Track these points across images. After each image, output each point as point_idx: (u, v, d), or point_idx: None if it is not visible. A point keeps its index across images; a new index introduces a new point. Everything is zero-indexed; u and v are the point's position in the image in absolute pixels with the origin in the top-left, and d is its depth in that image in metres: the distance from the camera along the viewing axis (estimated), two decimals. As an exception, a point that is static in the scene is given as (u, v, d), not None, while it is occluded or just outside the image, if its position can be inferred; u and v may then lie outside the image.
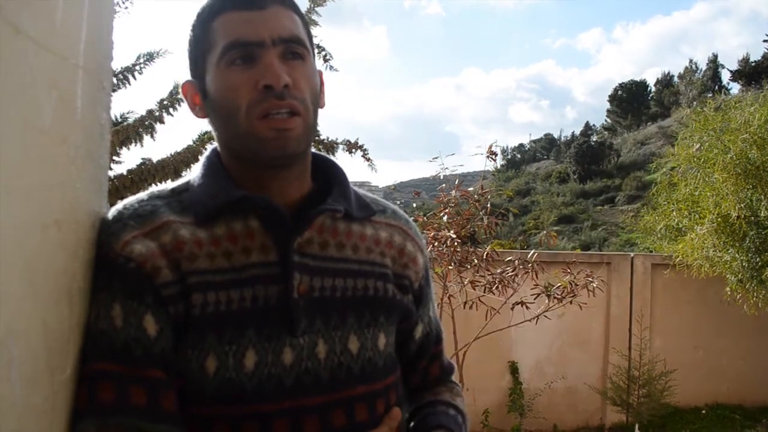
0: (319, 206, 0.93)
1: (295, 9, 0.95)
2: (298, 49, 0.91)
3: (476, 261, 4.55)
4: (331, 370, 0.90)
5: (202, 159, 0.99)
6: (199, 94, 0.95)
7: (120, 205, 0.91)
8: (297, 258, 0.90)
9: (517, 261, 4.69)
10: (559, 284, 4.74)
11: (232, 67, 0.89)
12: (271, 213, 0.90)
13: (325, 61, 4.39)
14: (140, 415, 0.80)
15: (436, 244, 4.41)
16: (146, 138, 4.12)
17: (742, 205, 5.84)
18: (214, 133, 0.98)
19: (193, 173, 0.98)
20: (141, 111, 4.21)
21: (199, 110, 0.96)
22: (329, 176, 1.01)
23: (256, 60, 0.88)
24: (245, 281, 0.87)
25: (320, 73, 1.00)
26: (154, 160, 4.04)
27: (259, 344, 0.86)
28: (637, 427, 6.07)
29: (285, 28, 0.90)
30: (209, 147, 1.01)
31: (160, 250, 0.85)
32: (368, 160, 4.43)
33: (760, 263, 5.86)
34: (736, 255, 5.96)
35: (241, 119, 0.89)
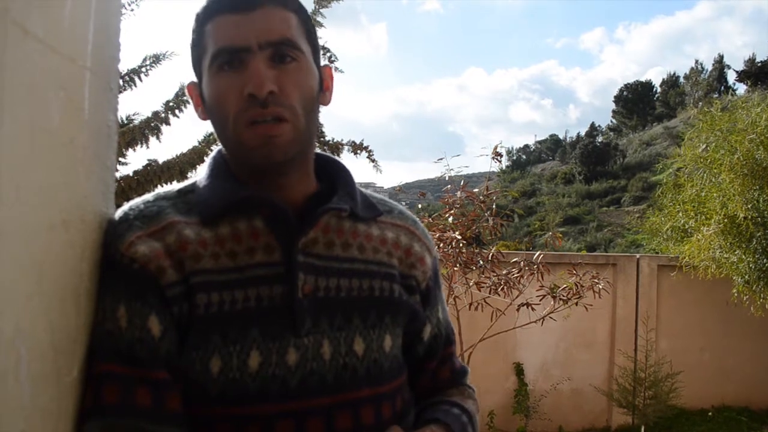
0: (323, 206, 0.93)
1: (292, 6, 0.91)
2: (288, 51, 0.89)
3: (481, 262, 4.54)
4: (336, 371, 0.89)
5: (207, 160, 0.99)
6: (201, 96, 0.95)
7: (126, 206, 0.91)
8: (302, 258, 0.90)
9: (522, 262, 4.68)
10: (565, 285, 4.73)
11: (221, 73, 0.89)
12: (276, 212, 0.90)
13: (330, 62, 4.40)
14: (145, 416, 0.80)
15: (441, 245, 4.40)
16: (152, 139, 4.13)
17: (749, 206, 5.81)
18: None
19: (199, 175, 0.98)
20: (147, 113, 4.22)
21: (201, 112, 0.97)
22: (334, 177, 1.00)
23: (243, 65, 0.87)
24: (249, 281, 0.87)
25: (328, 69, 0.99)
26: (160, 161, 4.05)
27: (264, 344, 0.85)
28: (643, 428, 6.05)
29: (274, 31, 0.88)
30: (214, 148, 1.02)
31: (164, 250, 0.85)
32: (373, 161, 4.44)
33: (767, 264, 5.83)
34: (743, 256, 5.93)
35: (230, 127, 0.89)
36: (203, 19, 0.91)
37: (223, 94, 0.88)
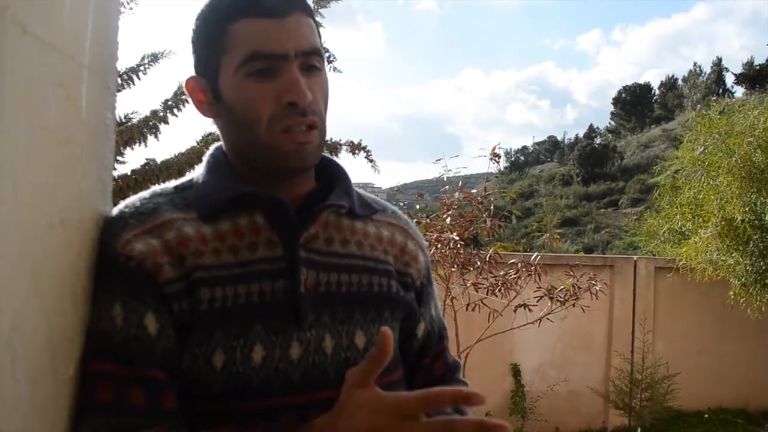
0: (322, 202, 0.94)
1: (311, 13, 0.93)
2: (316, 61, 0.91)
3: (479, 263, 4.54)
4: (338, 364, 0.90)
5: (206, 156, 0.98)
6: (209, 93, 0.93)
7: (122, 204, 0.91)
8: (303, 253, 0.90)
9: (520, 263, 4.69)
10: (562, 287, 4.74)
11: (251, 78, 0.87)
12: (277, 208, 0.91)
13: (329, 62, 4.40)
14: (139, 415, 0.79)
15: (439, 246, 4.40)
16: (150, 138, 4.13)
17: (747, 209, 5.83)
18: (222, 136, 0.97)
19: (198, 170, 0.97)
20: (145, 111, 4.22)
21: (207, 109, 0.94)
22: (332, 176, 1.01)
23: (276, 72, 0.87)
24: (252, 276, 0.87)
25: None
26: (158, 160, 4.05)
27: (267, 338, 0.86)
28: (639, 430, 6.06)
29: (306, 40, 0.89)
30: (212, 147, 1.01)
31: (162, 247, 0.85)
32: (371, 161, 4.44)
33: (764, 267, 5.84)
34: (740, 259, 5.95)
35: (262, 132, 0.88)
36: (227, 16, 0.88)
37: (255, 98, 0.88)
